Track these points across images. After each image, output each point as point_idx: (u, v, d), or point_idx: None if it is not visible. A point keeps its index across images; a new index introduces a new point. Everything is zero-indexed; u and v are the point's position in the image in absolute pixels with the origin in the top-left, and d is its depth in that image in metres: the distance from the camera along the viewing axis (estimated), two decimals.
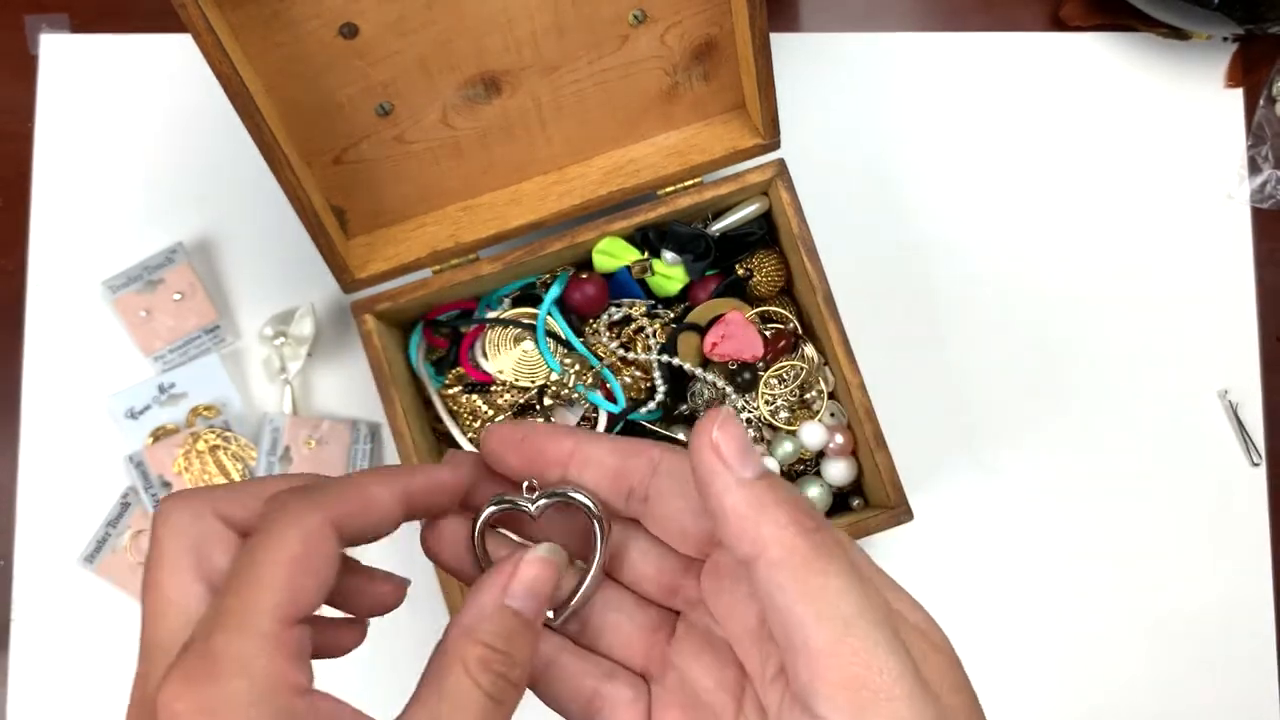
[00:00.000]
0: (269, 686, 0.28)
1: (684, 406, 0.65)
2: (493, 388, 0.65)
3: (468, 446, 0.66)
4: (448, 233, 0.63)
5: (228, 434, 0.69)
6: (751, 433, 0.65)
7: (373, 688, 0.70)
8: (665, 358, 0.65)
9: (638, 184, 0.63)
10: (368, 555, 0.70)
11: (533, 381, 0.64)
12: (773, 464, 0.64)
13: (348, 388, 0.71)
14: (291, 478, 0.32)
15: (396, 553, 0.70)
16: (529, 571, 0.31)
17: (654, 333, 0.66)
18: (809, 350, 0.65)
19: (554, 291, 0.65)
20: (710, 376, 0.65)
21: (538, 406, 0.65)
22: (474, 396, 0.65)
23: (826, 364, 0.65)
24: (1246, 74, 0.74)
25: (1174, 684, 0.69)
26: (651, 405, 0.65)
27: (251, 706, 0.27)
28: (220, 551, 0.30)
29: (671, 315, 0.67)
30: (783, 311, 0.66)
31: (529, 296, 0.67)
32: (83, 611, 0.69)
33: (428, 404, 0.65)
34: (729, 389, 0.65)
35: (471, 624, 0.31)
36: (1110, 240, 0.73)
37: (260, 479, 0.32)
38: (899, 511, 0.61)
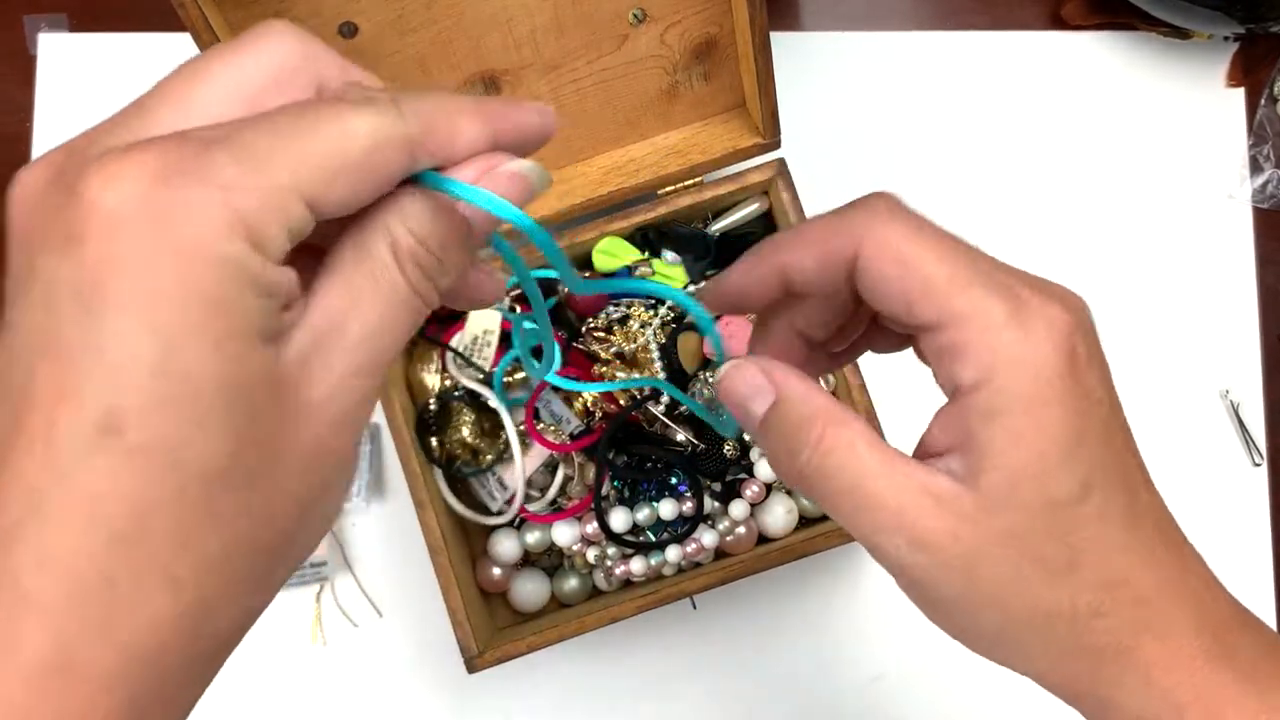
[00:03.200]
0: (244, 239, 0.23)
1: (682, 407, 0.65)
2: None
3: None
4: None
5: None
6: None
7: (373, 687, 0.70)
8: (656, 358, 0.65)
9: (638, 184, 0.63)
10: (369, 558, 0.70)
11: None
12: (770, 468, 0.64)
13: None
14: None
15: (397, 558, 0.70)
16: (496, 183, 0.28)
17: (654, 333, 0.66)
18: None
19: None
20: (710, 377, 0.65)
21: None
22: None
23: None
24: (1248, 73, 0.74)
25: None
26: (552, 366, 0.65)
27: (217, 242, 0.22)
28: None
29: (672, 315, 0.67)
30: None
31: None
32: None
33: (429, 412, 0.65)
34: None
35: (409, 211, 0.27)
36: (1111, 240, 0.73)
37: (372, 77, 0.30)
38: None
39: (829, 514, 0.32)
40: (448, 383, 0.65)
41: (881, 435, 0.33)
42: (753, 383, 0.33)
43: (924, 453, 0.32)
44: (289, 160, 0.24)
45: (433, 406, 0.64)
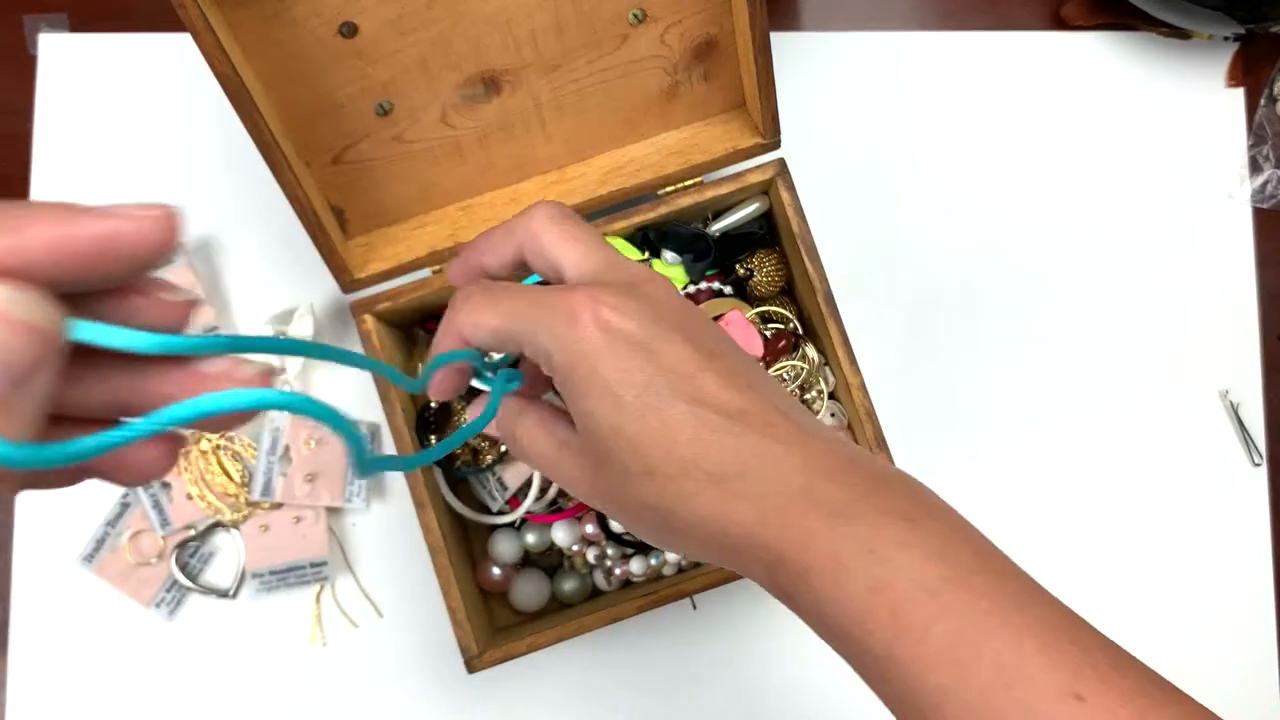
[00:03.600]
0: None
1: None
2: None
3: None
4: (447, 232, 0.63)
5: (230, 434, 0.68)
6: None
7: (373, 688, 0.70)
8: None
9: (638, 184, 0.63)
10: (369, 558, 0.70)
11: None
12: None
13: (347, 388, 0.71)
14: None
15: (397, 559, 0.70)
16: None
17: None
18: (809, 350, 0.65)
19: None
20: None
21: None
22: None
23: (827, 364, 0.65)
24: (1248, 73, 0.74)
25: (1172, 678, 0.69)
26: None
27: None
28: None
29: None
30: (783, 311, 0.66)
31: None
32: (81, 611, 0.69)
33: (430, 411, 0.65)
34: None
35: None
36: (1111, 240, 0.73)
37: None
38: None
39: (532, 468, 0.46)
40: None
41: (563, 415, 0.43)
42: (501, 424, 0.44)
43: None
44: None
45: (433, 405, 0.64)
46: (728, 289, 0.66)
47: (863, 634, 0.35)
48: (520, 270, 0.45)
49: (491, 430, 0.44)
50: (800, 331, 0.66)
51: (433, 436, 0.64)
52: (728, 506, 0.37)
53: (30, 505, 0.70)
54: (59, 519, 0.69)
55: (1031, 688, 0.33)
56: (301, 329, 0.69)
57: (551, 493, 0.65)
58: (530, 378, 0.44)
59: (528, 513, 0.64)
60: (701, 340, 0.39)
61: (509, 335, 0.40)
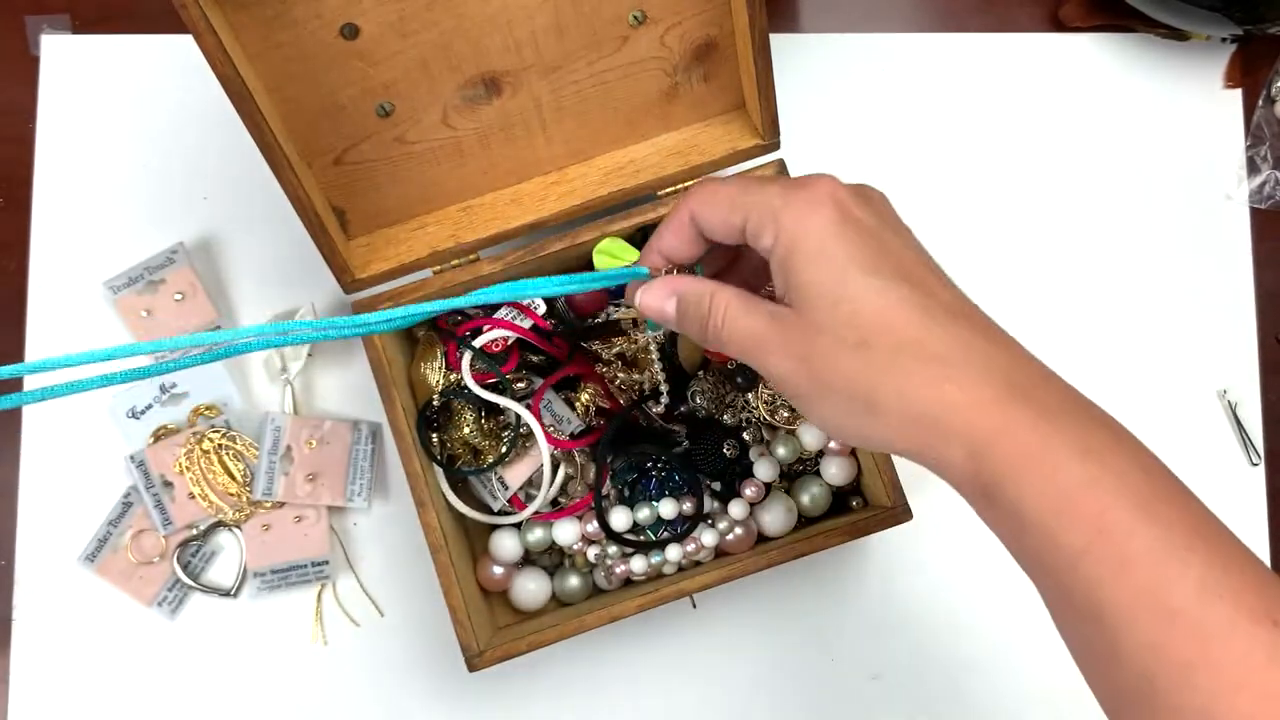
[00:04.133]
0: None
1: (683, 407, 0.65)
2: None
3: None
4: (448, 233, 0.63)
5: (232, 433, 0.69)
6: (751, 433, 0.66)
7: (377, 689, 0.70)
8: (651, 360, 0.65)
9: (638, 184, 0.63)
10: (370, 557, 0.70)
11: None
12: (772, 464, 0.65)
13: (349, 388, 0.71)
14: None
15: (398, 558, 0.70)
16: None
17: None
18: None
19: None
20: (709, 378, 0.65)
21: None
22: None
23: None
24: (1245, 74, 0.74)
25: None
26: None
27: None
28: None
29: None
30: None
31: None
32: (83, 611, 0.69)
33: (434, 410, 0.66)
34: (726, 388, 0.65)
35: None
36: (1109, 240, 0.73)
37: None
38: (898, 511, 0.61)
39: (731, 354, 0.45)
40: (454, 378, 0.65)
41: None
42: (659, 292, 0.47)
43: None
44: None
45: (435, 402, 0.64)
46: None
47: (1060, 528, 0.36)
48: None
49: (658, 310, 0.46)
50: None
51: (434, 435, 0.64)
52: (943, 388, 0.38)
53: (32, 505, 0.70)
54: (61, 518, 0.70)
55: (1232, 605, 0.34)
56: None
57: (553, 491, 0.65)
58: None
59: (517, 508, 0.65)
60: (922, 249, 0.44)
61: (747, 210, 0.43)
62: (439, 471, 0.65)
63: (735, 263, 0.51)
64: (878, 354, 0.39)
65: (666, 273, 0.48)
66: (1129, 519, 0.36)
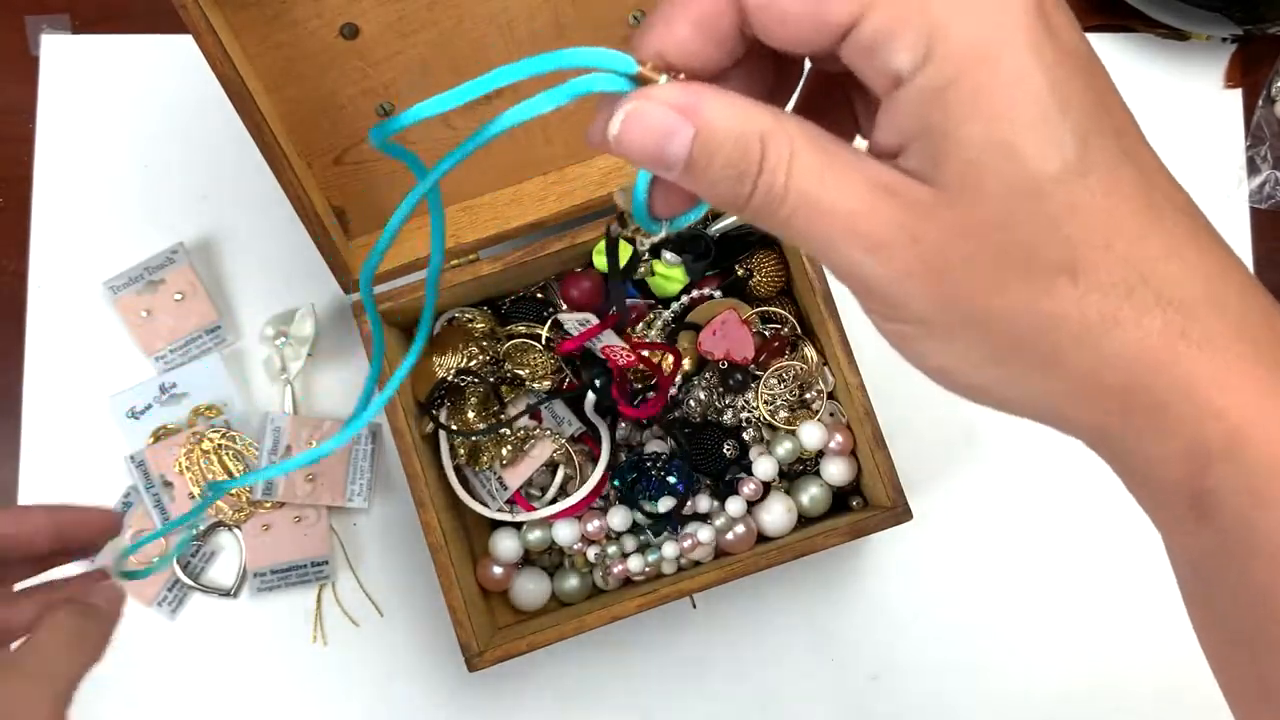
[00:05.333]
0: None
1: (676, 412, 0.65)
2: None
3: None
4: (448, 233, 0.63)
5: (231, 434, 0.69)
6: (751, 432, 0.66)
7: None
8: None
9: None
10: (370, 557, 0.70)
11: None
12: (772, 464, 0.65)
13: (348, 388, 0.71)
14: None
15: (398, 558, 0.70)
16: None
17: (656, 334, 0.66)
18: (809, 350, 0.65)
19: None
20: (705, 377, 0.65)
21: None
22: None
23: (826, 364, 0.65)
24: (1245, 74, 0.74)
25: (1174, 683, 0.69)
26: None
27: None
28: None
29: (672, 315, 0.67)
30: (782, 312, 0.66)
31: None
32: None
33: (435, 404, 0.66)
34: (720, 390, 0.65)
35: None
36: None
37: None
38: (898, 511, 0.61)
39: (790, 239, 0.27)
40: (472, 363, 0.65)
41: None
42: (664, 115, 0.26)
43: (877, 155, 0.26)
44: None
45: (450, 378, 0.64)
46: (718, 293, 0.67)
47: None
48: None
49: (654, 147, 0.26)
50: (799, 332, 0.67)
51: (443, 411, 0.64)
52: (1178, 346, 0.25)
53: (33, 499, 0.70)
54: None
55: None
56: (303, 329, 0.69)
57: (551, 492, 0.65)
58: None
59: (522, 508, 0.65)
60: (1117, 90, 0.28)
61: None
62: (447, 463, 0.65)
63: (781, 94, 0.30)
64: (1094, 291, 0.25)
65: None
66: None
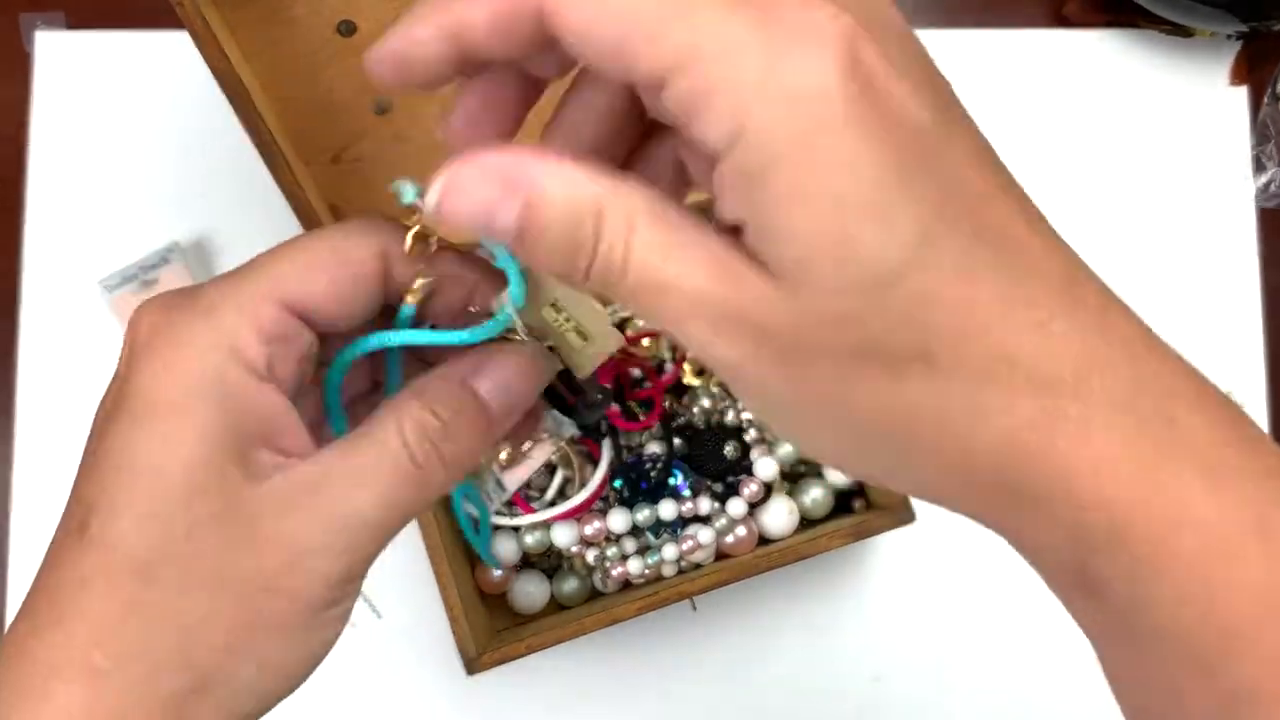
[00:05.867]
0: (223, 340, 0.26)
1: (681, 418, 0.65)
2: None
3: None
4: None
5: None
6: (752, 433, 0.65)
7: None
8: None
9: None
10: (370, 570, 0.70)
11: None
12: (774, 465, 0.64)
13: None
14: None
15: (396, 559, 0.70)
16: (507, 368, 0.29)
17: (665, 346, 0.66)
18: None
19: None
20: (707, 383, 0.65)
21: None
22: None
23: None
24: (1251, 72, 0.74)
25: None
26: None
27: (200, 354, 0.26)
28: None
29: None
30: None
31: None
32: None
33: None
34: (721, 390, 0.65)
35: (423, 386, 0.29)
36: (1113, 239, 0.73)
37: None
38: (901, 512, 0.61)
39: (639, 315, 0.26)
40: None
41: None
42: (488, 184, 0.24)
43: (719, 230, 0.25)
44: (265, 271, 0.27)
45: None
46: None
47: (1229, 655, 0.23)
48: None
49: (480, 213, 0.24)
50: None
51: None
52: (1054, 432, 0.23)
53: (27, 506, 0.69)
54: (57, 514, 0.69)
55: None
56: None
57: (550, 493, 0.65)
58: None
59: (522, 509, 0.64)
60: (990, 150, 0.27)
61: (671, 49, 0.21)
62: None
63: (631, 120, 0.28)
64: (952, 378, 0.23)
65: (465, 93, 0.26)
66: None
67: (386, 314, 0.31)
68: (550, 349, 0.31)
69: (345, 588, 0.28)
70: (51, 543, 0.28)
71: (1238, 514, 0.23)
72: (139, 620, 0.26)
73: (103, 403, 0.28)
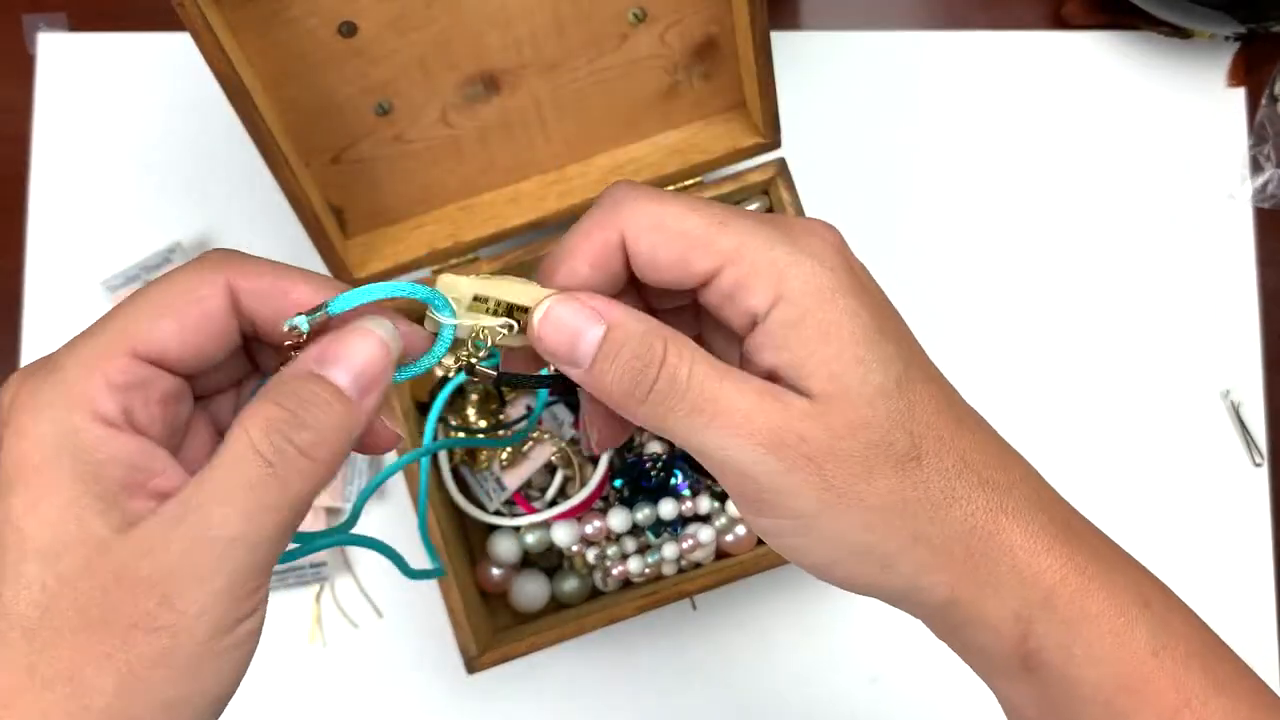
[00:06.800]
0: (73, 400, 0.27)
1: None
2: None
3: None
4: (447, 232, 0.63)
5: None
6: None
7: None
8: None
9: None
10: (369, 558, 0.70)
11: None
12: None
13: None
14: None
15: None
16: (346, 340, 0.29)
17: None
18: None
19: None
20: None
21: None
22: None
23: None
24: (1249, 73, 0.74)
25: None
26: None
27: (53, 416, 0.27)
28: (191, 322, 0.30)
29: None
30: None
31: None
32: None
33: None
34: None
35: (268, 386, 0.29)
36: (1111, 240, 0.73)
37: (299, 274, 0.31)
38: None
39: (677, 439, 0.31)
40: (474, 361, 0.64)
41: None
42: (580, 314, 0.31)
43: None
44: (113, 324, 0.28)
45: (450, 377, 0.63)
46: None
47: (1133, 708, 0.31)
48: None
49: (567, 341, 0.31)
50: None
51: (449, 417, 0.64)
52: (1000, 521, 0.31)
53: None
54: None
55: None
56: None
57: (551, 492, 0.65)
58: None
59: (522, 509, 0.64)
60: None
61: (727, 257, 0.31)
62: (446, 472, 0.64)
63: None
64: (931, 468, 0.31)
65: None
66: (1202, 692, 0.30)
67: (250, 348, 0.32)
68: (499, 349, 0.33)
69: (235, 610, 0.29)
70: None
71: (1126, 594, 0.31)
72: (37, 681, 0.26)
73: None
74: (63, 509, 0.27)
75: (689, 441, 0.31)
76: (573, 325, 0.31)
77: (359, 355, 0.29)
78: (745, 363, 0.32)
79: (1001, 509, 0.31)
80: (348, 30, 0.54)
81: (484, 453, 0.65)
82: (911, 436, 0.31)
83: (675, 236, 0.31)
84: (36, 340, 0.71)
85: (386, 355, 0.30)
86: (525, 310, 0.32)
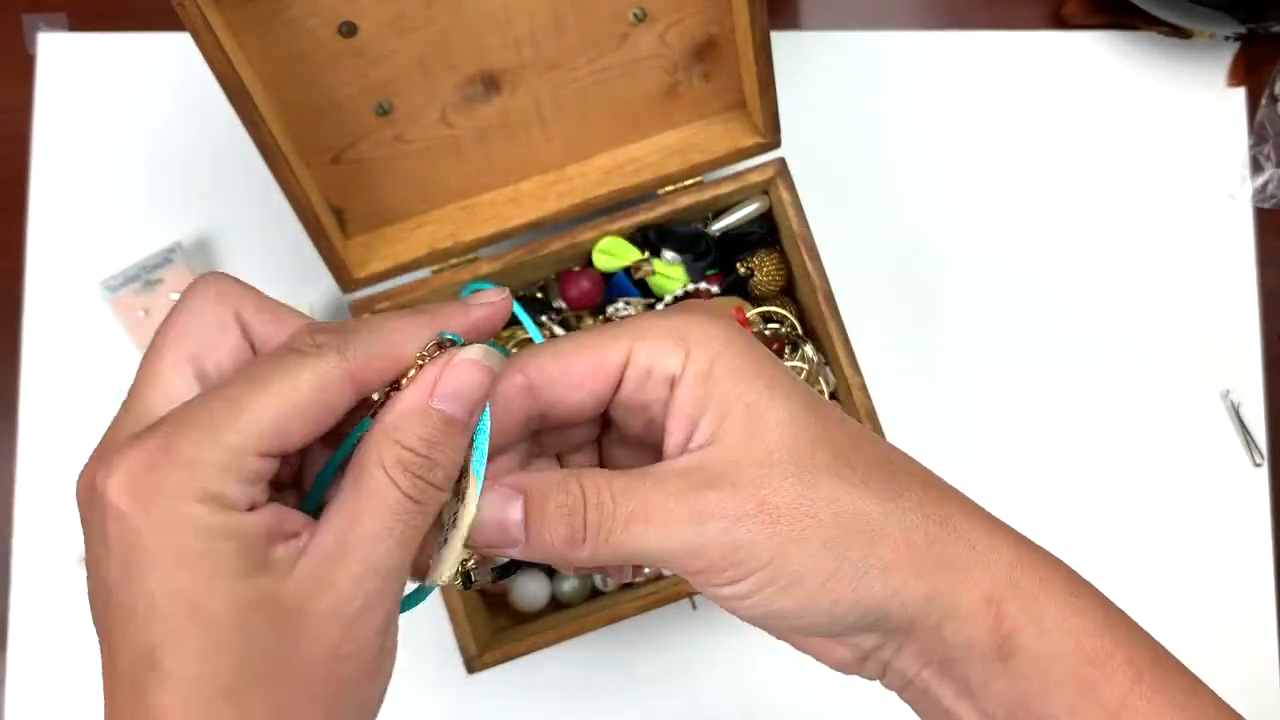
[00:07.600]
0: (210, 499, 0.28)
1: None
2: None
3: None
4: (447, 232, 0.63)
5: None
6: None
7: None
8: None
9: (638, 183, 0.63)
10: None
11: None
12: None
13: None
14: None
15: None
16: (458, 373, 0.31)
17: None
18: (809, 350, 0.65)
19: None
20: None
21: None
22: None
23: (827, 364, 0.65)
24: (1249, 73, 0.74)
25: None
26: None
27: (196, 506, 0.28)
28: (224, 352, 0.31)
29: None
30: (783, 311, 0.66)
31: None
32: (80, 612, 0.69)
33: None
34: None
35: (393, 424, 0.30)
36: (1111, 240, 0.73)
37: (294, 310, 0.32)
38: None
39: (632, 559, 0.32)
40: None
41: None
42: (496, 501, 0.32)
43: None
44: (241, 425, 0.28)
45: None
46: (715, 288, 0.66)
47: (1103, 677, 0.32)
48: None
49: (495, 530, 0.32)
50: (800, 331, 0.66)
51: None
52: (949, 515, 0.34)
53: (29, 505, 0.70)
54: (58, 518, 0.69)
55: None
56: None
57: None
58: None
59: None
60: None
61: (628, 349, 0.33)
62: None
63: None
64: (865, 470, 0.32)
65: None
66: (1148, 656, 0.32)
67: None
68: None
69: (391, 626, 0.32)
70: (112, 684, 0.31)
71: (1068, 575, 0.33)
72: None
73: (101, 560, 0.30)
74: (229, 580, 0.28)
75: (643, 552, 0.32)
76: (498, 516, 0.32)
77: (468, 383, 0.31)
78: (669, 434, 0.33)
79: (943, 498, 0.33)
80: (348, 30, 0.54)
81: None
82: (836, 446, 0.32)
83: (579, 347, 0.33)
84: (36, 339, 0.71)
85: (488, 373, 0.31)
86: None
